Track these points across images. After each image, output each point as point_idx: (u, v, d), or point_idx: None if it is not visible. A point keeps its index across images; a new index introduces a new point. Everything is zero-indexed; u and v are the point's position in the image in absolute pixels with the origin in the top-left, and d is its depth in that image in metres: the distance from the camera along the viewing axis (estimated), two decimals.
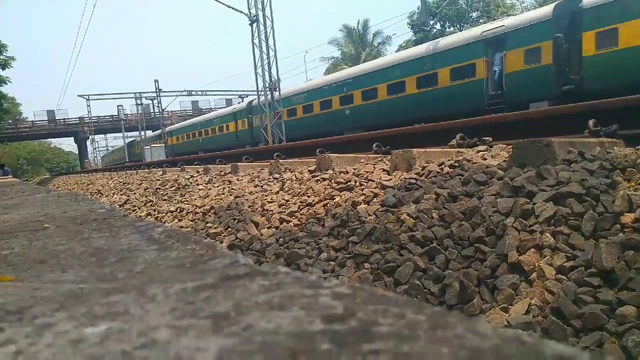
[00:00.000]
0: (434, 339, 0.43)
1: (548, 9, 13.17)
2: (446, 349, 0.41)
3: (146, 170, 14.72)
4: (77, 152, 63.37)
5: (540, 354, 0.38)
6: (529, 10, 22.56)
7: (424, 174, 4.12)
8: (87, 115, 49.62)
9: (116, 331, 0.55)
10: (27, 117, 59.86)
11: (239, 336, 0.49)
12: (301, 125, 20.70)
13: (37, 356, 0.51)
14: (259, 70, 18.64)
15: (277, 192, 5.31)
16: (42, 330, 0.58)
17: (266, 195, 5.34)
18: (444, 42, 16.49)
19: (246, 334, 0.49)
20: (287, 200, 4.86)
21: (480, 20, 35.25)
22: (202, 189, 7.35)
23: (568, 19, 12.40)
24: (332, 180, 4.74)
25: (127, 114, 53.19)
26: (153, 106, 43.34)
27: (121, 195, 10.78)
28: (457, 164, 4.08)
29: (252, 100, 28.34)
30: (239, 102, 36.80)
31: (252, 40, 18.58)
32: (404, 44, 41.36)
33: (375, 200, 3.92)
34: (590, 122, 4.25)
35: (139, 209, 8.31)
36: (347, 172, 4.87)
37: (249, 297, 0.62)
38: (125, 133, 52.41)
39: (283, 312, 0.55)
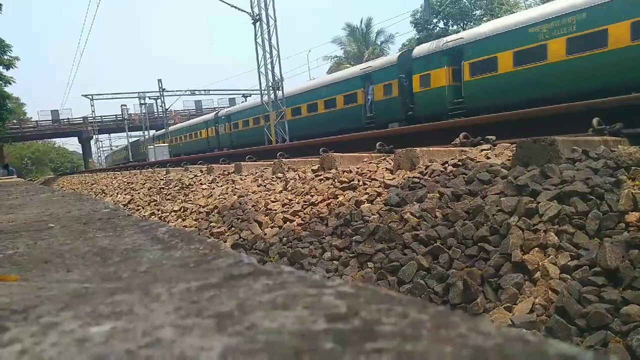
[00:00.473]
0: (438, 338, 0.43)
1: (395, 57, 18.81)
2: (449, 348, 0.41)
3: (150, 170, 14.76)
4: (81, 152, 63.56)
5: (544, 353, 0.38)
6: (532, 7, 22.68)
7: (427, 173, 4.11)
8: (91, 115, 49.73)
9: (121, 330, 0.56)
10: (31, 117, 60.03)
11: (242, 335, 0.49)
12: (246, 135, 26.56)
13: (42, 355, 0.51)
14: (262, 69, 18.65)
15: (281, 192, 5.32)
16: (47, 330, 0.59)
17: (269, 195, 5.35)
18: (339, 74, 22.61)
19: (250, 333, 0.49)
20: (291, 200, 4.86)
21: (484, 18, 35.13)
22: (205, 189, 7.37)
23: (407, 65, 17.54)
24: (336, 180, 4.74)
25: (130, 114, 53.31)
26: (156, 106, 43.43)
27: (125, 195, 10.82)
28: (460, 163, 4.07)
29: (219, 112, 34.15)
30: (242, 102, 37.84)
31: (255, 39, 18.59)
32: (407, 43, 41.26)
33: (378, 199, 3.92)
34: (594, 121, 4.23)
35: (143, 208, 8.33)
36: (351, 172, 4.87)
37: (252, 296, 0.62)
38: (129, 133, 52.55)
39: (287, 311, 0.55)
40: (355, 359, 0.41)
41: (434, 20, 37.39)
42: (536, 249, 2.60)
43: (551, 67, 12.83)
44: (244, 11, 18.74)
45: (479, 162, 4.01)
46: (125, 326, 0.57)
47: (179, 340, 0.51)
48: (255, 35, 18.58)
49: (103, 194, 12.91)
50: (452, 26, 38.35)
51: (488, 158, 4.18)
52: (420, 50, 17.38)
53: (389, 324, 0.47)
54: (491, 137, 5.19)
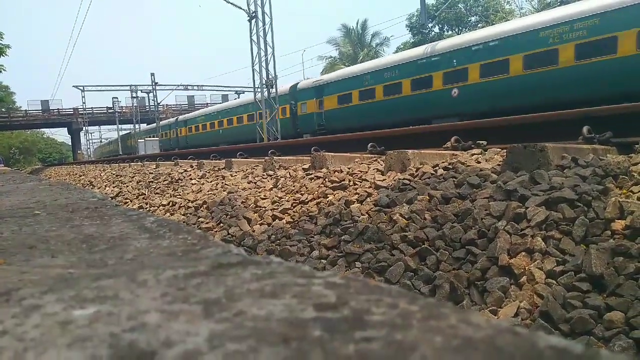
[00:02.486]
0: (427, 329, 0.43)
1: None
2: (439, 338, 0.40)
3: (139, 163, 14.65)
4: (70, 143, 62.89)
5: (534, 344, 0.38)
6: (527, 15, 22.91)
7: (417, 175, 4.12)
8: (81, 107, 49.23)
9: (105, 314, 0.55)
10: (20, 107, 59.20)
11: (230, 321, 0.48)
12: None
13: (23, 336, 0.50)
14: (256, 67, 18.59)
15: (271, 189, 5.30)
16: (30, 312, 0.57)
17: (259, 192, 5.33)
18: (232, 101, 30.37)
19: (238, 320, 0.49)
20: (281, 198, 4.85)
21: (479, 25, 35.36)
22: (195, 184, 7.33)
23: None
24: (326, 179, 4.73)
25: (122, 107, 52.84)
26: (148, 99, 43.14)
27: (113, 187, 10.72)
28: (451, 166, 4.09)
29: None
30: (235, 99, 38.37)
31: (250, 36, 18.53)
32: (402, 46, 41.42)
33: (368, 199, 3.92)
34: (585, 129, 4.27)
35: (131, 201, 8.27)
36: (342, 171, 4.87)
37: (241, 284, 0.61)
38: (120, 126, 52.18)
39: (275, 299, 0.54)
40: (344, 347, 0.40)
41: (430, 25, 37.56)
42: (523, 253, 2.61)
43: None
44: (241, 8, 18.68)
45: (469, 166, 4.03)
46: (110, 310, 0.56)
47: (165, 325, 0.50)
48: (251, 32, 18.52)
49: (91, 186, 12.78)
50: (448, 31, 38.57)
51: (478, 162, 4.20)
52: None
53: (378, 314, 0.47)
54: (482, 141, 5.22)
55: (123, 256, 0.90)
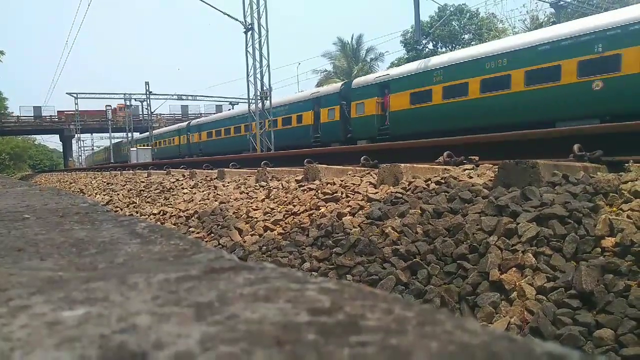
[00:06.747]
0: (423, 334, 0.42)
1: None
2: (435, 344, 0.40)
3: (131, 171, 14.58)
4: (61, 151, 62.43)
5: (531, 351, 0.38)
6: (518, 33, 23.24)
7: (410, 189, 4.13)
8: (74, 112, 48.94)
9: (95, 316, 0.54)
10: (12, 112, 58.72)
11: (222, 324, 0.48)
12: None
13: (10, 336, 0.49)
14: (251, 78, 18.65)
15: (263, 200, 5.28)
16: (17, 312, 0.56)
17: (251, 203, 5.31)
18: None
19: (230, 323, 0.48)
20: (273, 209, 4.83)
21: (472, 42, 35.82)
22: (186, 193, 7.29)
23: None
24: (319, 191, 4.73)
25: (115, 109, 52.57)
26: (142, 108, 43.04)
27: (104, 195, 10.64)
28: (443, 181, 4.10)
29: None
30: (229, 109, 38.59)
31: (246, 48, 18.60)
32: (396, 62, 41.79)
33: (360, 212, 3.92)
34: (575, 147, 4.31)
35: (122, 209, 8.21)
36: (334, 184, 4.87)
37: (233, 288, 0.61)
38: (113, 134, 51.94)
39: (269, 303, 0.53)
40: (338, 351, 0.40)
41: (424, 41, 37.98)
42: (514, 269, 2.62)
43: None
44: (237, 20, 18.77)
45: (461, 181, 4.05)
46: (100, 312, 0.55)
47: (156, 327, 0.49)
48: (247, 44, 18.60)
49: (81, 194, 12.67)
50: (441, 48, 39.01)
51: (470, 177, 4.22)
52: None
53: (373, 320, 0.46)
54: (474, 157, 5.25)
55: (113, 260, 0.89)
